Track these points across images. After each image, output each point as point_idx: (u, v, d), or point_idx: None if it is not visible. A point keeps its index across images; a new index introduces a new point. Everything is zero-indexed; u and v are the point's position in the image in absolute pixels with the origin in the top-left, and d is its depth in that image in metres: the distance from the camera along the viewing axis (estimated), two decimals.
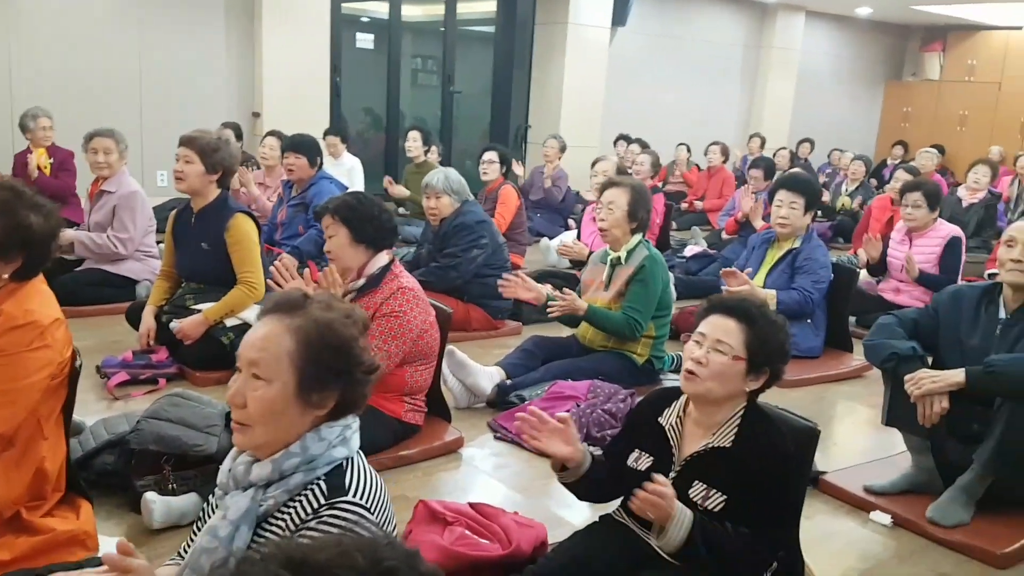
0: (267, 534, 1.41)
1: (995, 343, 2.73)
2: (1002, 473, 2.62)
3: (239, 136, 6.78)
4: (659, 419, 2.14)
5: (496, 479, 2.95)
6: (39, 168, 5.78)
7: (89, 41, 6.93)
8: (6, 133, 6.55)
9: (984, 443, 2.62)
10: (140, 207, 4.52)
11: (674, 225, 8.23)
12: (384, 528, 1.40)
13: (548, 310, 3.71)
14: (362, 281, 2.94)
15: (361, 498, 1.38)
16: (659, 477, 1.90)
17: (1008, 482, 2.65)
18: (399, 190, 7.01)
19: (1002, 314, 2.78)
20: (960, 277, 4.82)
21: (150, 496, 2.39)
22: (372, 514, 1.37)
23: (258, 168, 6.24)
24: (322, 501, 1.37)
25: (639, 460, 2.13)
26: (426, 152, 7.18)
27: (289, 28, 7.62)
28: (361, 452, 1.50)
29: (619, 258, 3.75)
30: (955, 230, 4.93)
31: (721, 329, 2.01)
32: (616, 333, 3.68)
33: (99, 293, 4.42)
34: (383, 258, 2.97)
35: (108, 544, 2.06)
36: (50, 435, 2.07)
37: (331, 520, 1.33)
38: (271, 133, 6.03)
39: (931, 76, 13.49)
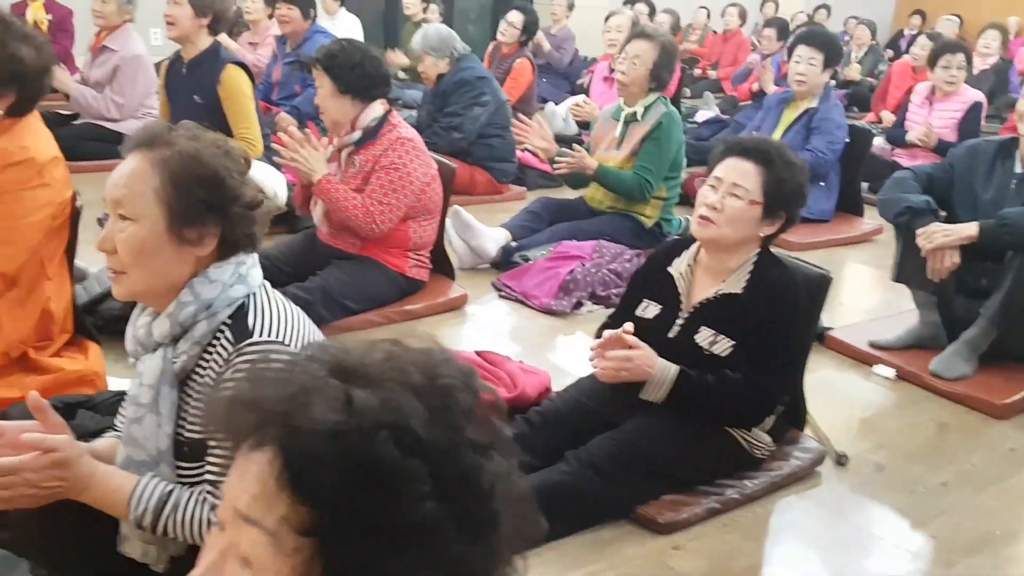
0: (193, 392, 1.33)
1: (1009, 197, 2.68)
2: (1007, 327, 2.62)
3: None
4: (668, 268, 2.12)
5: (500, 334, 2.96)
6: (35, 24, 5.54)
7: None
8: None
9: (992, 297, 2.61)
10: (142, 70, 4.40)
11: (687, 92, 8.00)
12: None
13: (555, 167, 3.63)
14: (358, 134, 2.81)
15: (270, 334, 1.29)
16: (629, 338, 1.87)
17: (1011, 336, 2.65)
18: (398, 59, 6.75)
19: (1018, 168, 2.72)
20: None
21: None
22: (288, 346, 1.29)
23: (247, 29, 5.99)
24: (230, 349, 1.29)
25: (647, 308, 2.12)
26: (425, 9, 6.87)
27: None
28: (266, 285, 1.39)
29: (634, 114, 3.61)
30: (978, 95, 4.79)
31: (737, 172, 1.95)
32: (626, 194, 3.59)
33: (98, 149, 4.31)
34: (377, 108, 2.82)
35: (117, 384, 2.07)
36: (54, 276, 2.06)
37: (243, 367, 1.25)
38: None
39: None
